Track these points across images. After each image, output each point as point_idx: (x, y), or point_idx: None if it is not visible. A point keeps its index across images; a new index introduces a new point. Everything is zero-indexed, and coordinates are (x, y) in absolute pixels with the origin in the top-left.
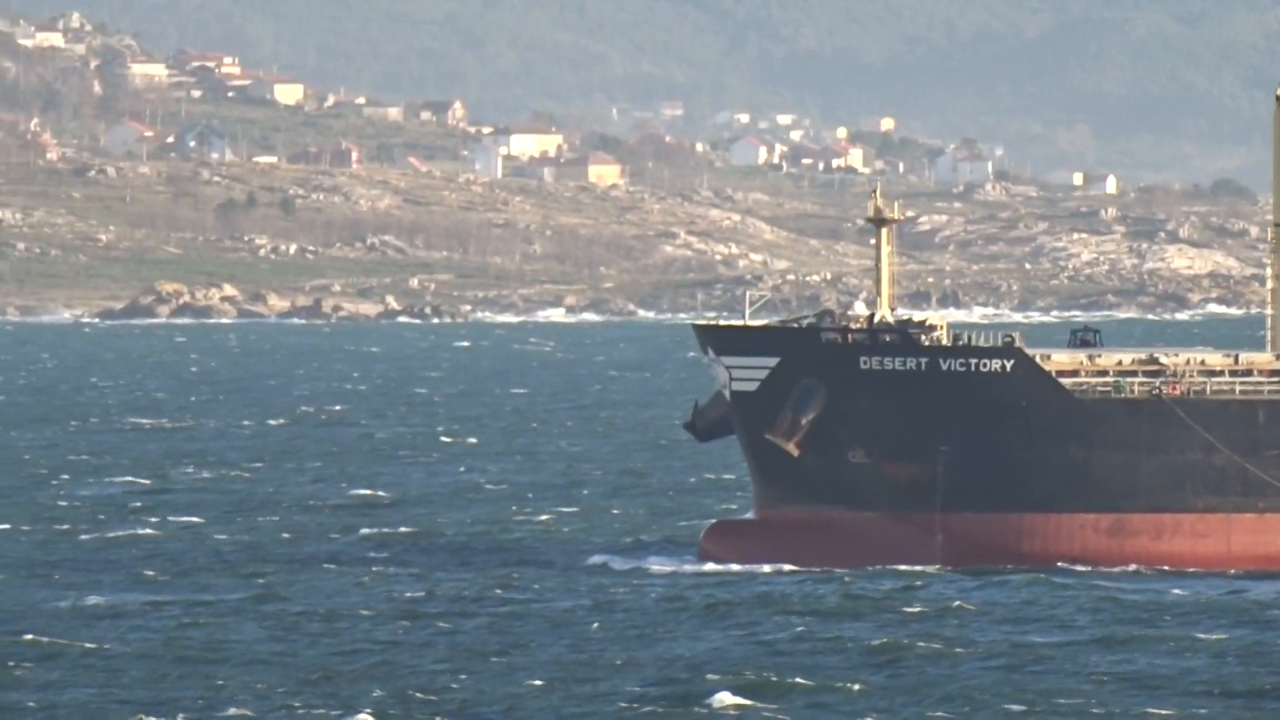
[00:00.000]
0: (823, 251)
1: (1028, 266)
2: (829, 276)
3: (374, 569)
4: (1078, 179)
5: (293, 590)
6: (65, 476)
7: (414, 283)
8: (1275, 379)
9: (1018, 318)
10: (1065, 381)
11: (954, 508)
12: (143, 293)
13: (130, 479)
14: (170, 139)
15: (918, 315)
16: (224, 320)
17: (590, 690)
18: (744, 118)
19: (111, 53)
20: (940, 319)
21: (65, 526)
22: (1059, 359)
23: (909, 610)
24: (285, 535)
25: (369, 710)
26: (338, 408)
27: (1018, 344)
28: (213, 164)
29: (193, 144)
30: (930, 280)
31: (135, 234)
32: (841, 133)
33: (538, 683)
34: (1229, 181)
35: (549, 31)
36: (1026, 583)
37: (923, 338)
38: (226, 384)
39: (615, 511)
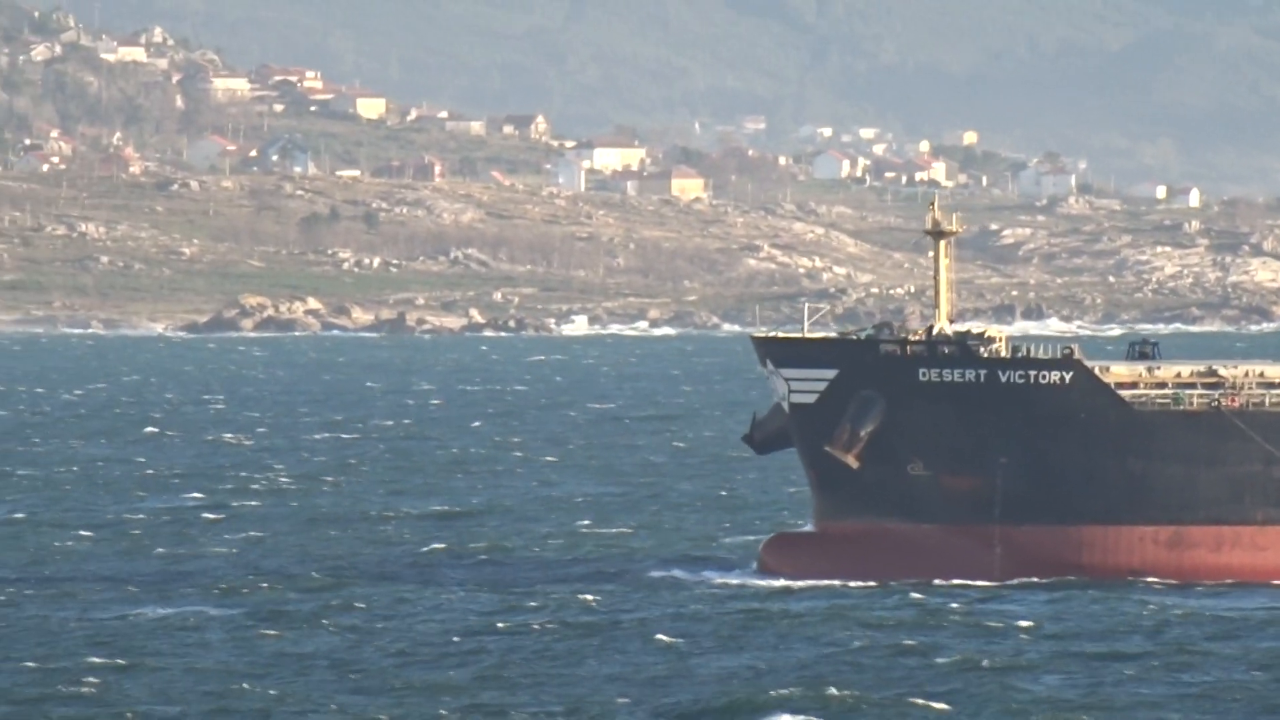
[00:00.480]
0: (906, 264)
1: (1111, 280)
2: (913, 289)
3: (450, 582)
4: (1161, 192)
5: (369, 602)
6: (141, 493)
7: (498, 296)
8: None
9: (1087, 332)
10: (1124, 393)
11: (1013, 520)
12: (226, 306)
13: (202, 494)
14: (253, 153)
15: (988, 329)
16: (306, 333)
17: (670, 702)
18: (826, 131)
19: (194, 67)
20: (999, 331)
21: (142, 538)
22: (1118, 371)
23: (982, 624)
24: (360, 548)
25: None
26: (407, 422)
27: (1076, 356)
28: (295, 178)
29: (275, 158)
30: (1014, 293)
31: (218, 248)
32: (924, 146)
33: (623, 700)
34: None
35: (631, 45)
36: (1092, 598)
37: (981, 349)
38: (304, 396)
39: (679, 524)
